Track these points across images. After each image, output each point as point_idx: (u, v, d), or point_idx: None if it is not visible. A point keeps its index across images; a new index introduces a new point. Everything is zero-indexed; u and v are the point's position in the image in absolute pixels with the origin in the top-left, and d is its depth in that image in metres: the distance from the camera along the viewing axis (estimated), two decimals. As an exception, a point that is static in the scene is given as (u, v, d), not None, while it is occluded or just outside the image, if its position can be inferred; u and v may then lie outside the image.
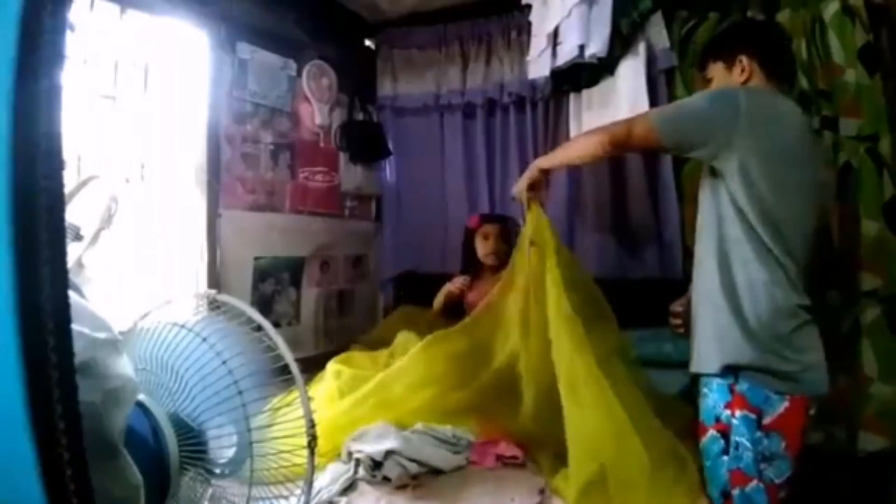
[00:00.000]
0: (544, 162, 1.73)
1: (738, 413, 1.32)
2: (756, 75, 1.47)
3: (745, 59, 1.48)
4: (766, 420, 1.32)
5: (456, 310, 2.46)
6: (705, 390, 1.40)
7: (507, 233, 2.48)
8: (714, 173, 1.42)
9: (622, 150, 1.69)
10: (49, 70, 0.49)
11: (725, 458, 1.33)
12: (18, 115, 0.47)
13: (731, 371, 1.34)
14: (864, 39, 1.96)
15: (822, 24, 2.05)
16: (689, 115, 1.43)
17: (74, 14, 0.54)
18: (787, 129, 1.38)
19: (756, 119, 1.34)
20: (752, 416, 1.32)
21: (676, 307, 1.61)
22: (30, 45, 0.48)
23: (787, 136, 1.37)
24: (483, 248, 2.44)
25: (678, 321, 1.59)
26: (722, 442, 1.34)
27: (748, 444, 1.30)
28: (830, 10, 2.02)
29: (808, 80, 2.08)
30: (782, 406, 1.32)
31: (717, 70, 1.55)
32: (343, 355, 2.24)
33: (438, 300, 2.51)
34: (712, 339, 1.38)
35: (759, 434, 1.31)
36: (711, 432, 1.37)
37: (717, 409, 1.36)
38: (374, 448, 1.55)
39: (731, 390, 1.34)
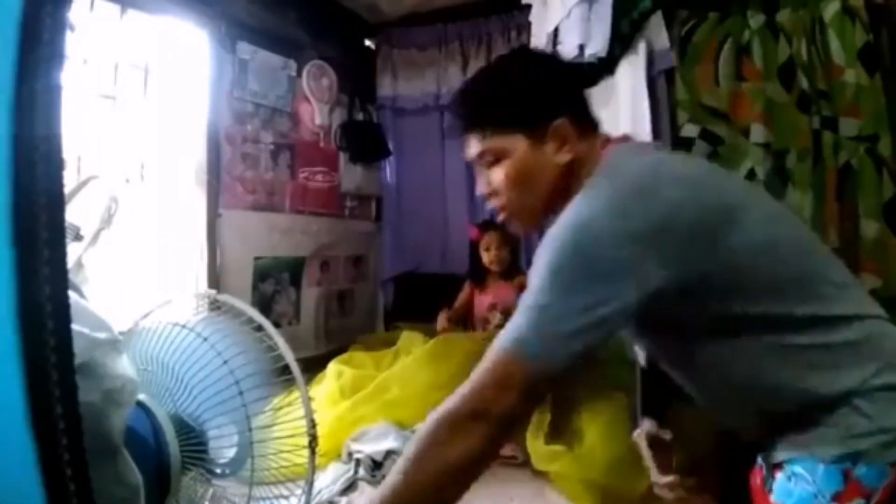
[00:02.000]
0: None
1: None
2: (574, 141, 0.99)
3: (564, 124, 0.98)
4: (873, 500, 0.89)
5: (464, 319, 2.54)
6: (799, 470, 0.93)
7: (508, 237, 2.49)
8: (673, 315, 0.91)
9: None
10: (49, 70, 0.49)
11: None
12: (18, 115, 0.47)
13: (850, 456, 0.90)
14: (864, 39, 1.96)
15: (822, 25, 2.04)
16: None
17: (74, 14, 0.54)
18: (713, 189, 0.93)
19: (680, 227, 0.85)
20: (863, 502, 0.90)
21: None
22: (30, 45, 0.48)
23: (720, 195, 0.92)
24: (486, 258, 2.48)
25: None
26: None
27: None
28: (830, 10, 2.02)
29: (808, 80, 2.08)
30: (888, 478, 0.90)
31: (515, 146, 0.99)
32: (345, 356, 2.24)
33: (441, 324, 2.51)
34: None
35: None
36: None
37: (816, 501, 0.91)
38: (375, 448, 1.56)
39: (846, 476, 0.90)
